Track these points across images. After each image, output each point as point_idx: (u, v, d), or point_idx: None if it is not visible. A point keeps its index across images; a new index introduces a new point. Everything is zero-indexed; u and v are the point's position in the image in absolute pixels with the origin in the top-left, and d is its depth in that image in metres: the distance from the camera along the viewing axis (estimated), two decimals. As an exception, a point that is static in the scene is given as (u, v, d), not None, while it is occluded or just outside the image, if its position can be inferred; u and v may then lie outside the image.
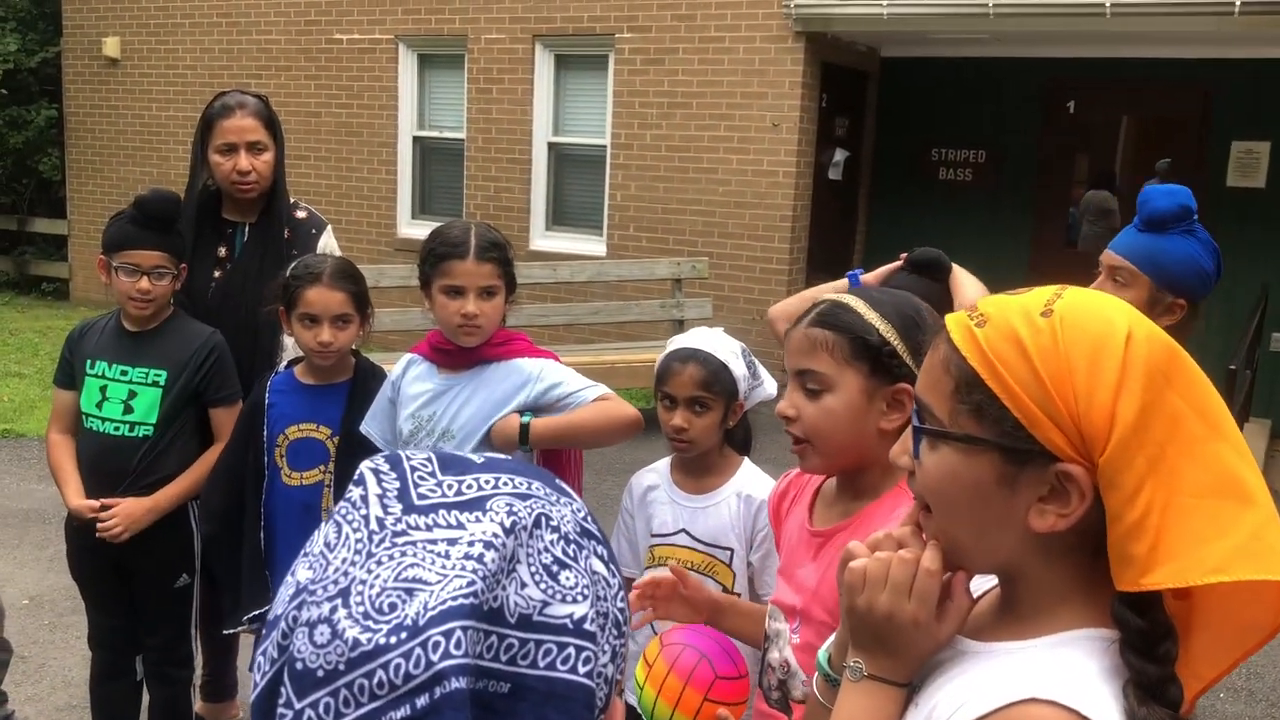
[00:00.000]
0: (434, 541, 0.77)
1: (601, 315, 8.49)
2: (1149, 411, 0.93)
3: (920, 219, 9.31)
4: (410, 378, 2.68)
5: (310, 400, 2.88)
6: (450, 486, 0.81)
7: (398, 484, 0.81)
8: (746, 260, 8.80)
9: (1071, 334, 0.96)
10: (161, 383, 2.98)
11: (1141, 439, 0.93)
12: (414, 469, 0.82)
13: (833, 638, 1.17)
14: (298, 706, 0.72)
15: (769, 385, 2.42)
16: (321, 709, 0.72)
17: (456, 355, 2.61)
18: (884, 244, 8.64)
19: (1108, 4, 7.43)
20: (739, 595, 2.34)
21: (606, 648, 0.82)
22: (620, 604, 0.85)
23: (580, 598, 0.80)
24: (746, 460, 2.44)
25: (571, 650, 0.78)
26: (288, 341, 3.17)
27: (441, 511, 0.79)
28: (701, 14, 8.72)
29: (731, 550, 2.35)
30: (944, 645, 1.06)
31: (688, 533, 2.39)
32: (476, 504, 0.79)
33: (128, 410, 2.98)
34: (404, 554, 0.76)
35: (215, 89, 10.89)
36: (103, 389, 3.00)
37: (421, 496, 0.80)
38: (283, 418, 2.87)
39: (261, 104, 3.28)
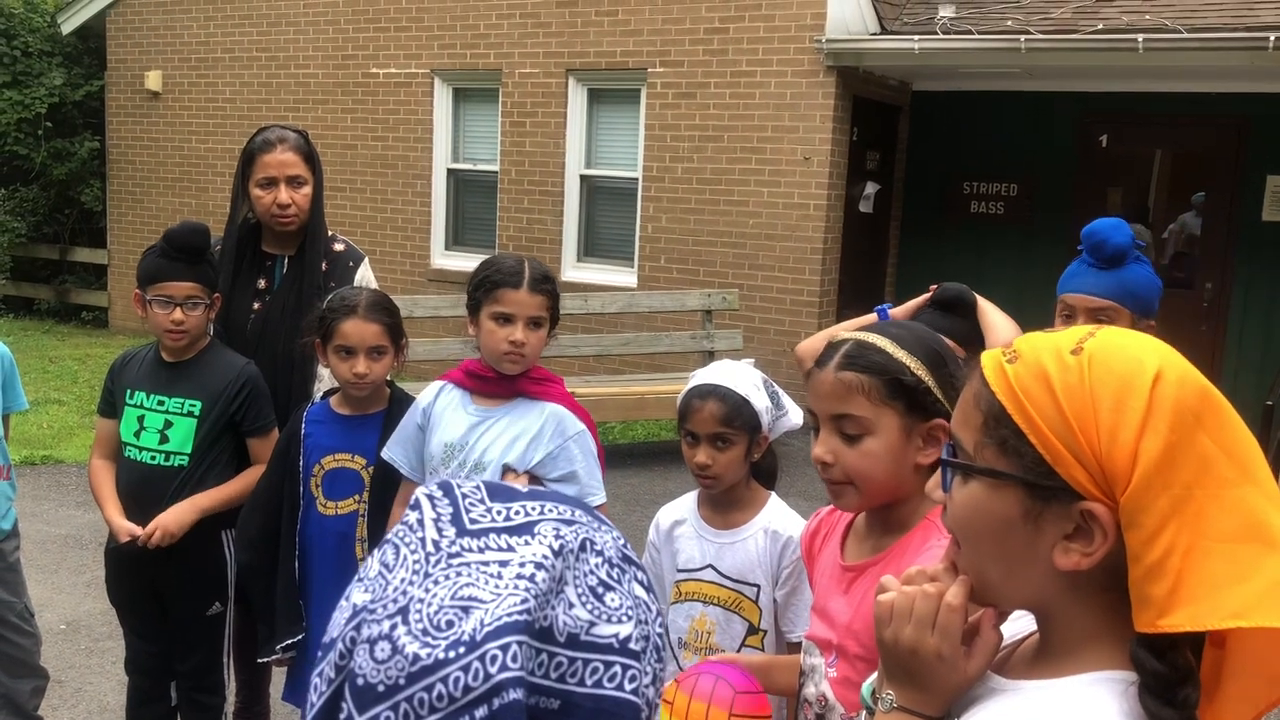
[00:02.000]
0: (486, 563, 0.80)
1: (632, 346, 8.53)
2: (1174, 452, 0.93)
3: (951, 252, 9.31)
4: (442, 406, 2.71)
5: (346, 431, 2.91)
6: (499, 513, 0.85)
7: (451, 509, 0.84)
8: (777, 292, 8.82)
9: (1099, 372, 0.96)
10: (196, 413, 3.03)
11: (1166, 479, 0.93)
12: (464, 496, 0.86)
13: (877, 672, 1.19)
14: None
15: (794, 415, 2.41)
16: None
17: (494, 384, 2.65)
18: (915, 276, 8.63)
19: (1140, 39, 7.44)
20: (765, 632, 2.34)
21: (649, 669, 0.85)
22: (659, 629, 0.88)
23: (625, 618, 0.83)
24: (774, 495, 2.44)
25: (618, 669, 0.81)
26: (323, 372, 3.22)
27: (492, 535, 0.82)
28: (734, 49, 8.80)
29: (758, 586, 2.34)
30: (973, 681, 1.06)
31: (714, 568, 2.39)
32: (525, 529, 0.83)
33: (164, 440, 3.03)
34: (459, 574, 0.79)
35: (254, 122, 11.09)
36: (140, 419, 3.05)
37: (473, 521, 0.84)
38: (318, 448, 2.91)
39: (301, 139, 3.34)
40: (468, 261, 10.18)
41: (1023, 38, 7.83)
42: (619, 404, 7.74)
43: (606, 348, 8.65)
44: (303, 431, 2.92)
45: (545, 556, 0.80)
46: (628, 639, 0.82)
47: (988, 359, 1.05)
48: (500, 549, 0.81)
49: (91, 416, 8.35)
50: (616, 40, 9.29)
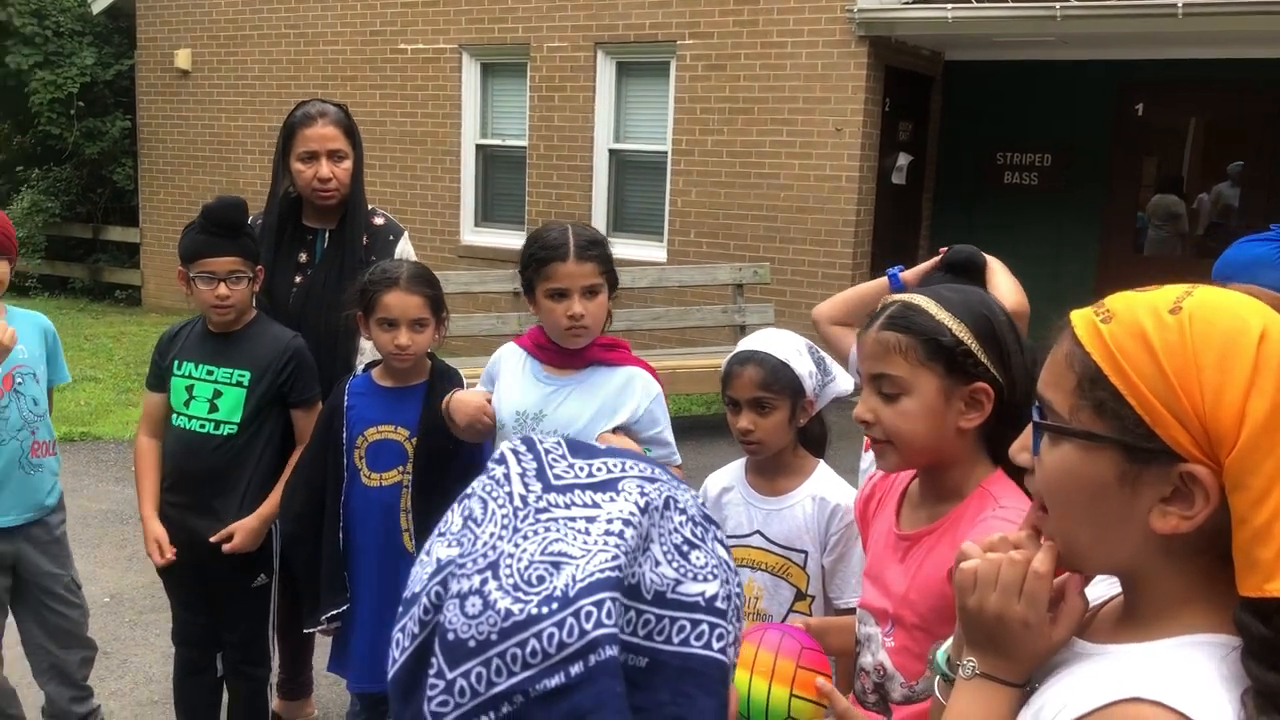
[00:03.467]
0: (573, 519, 0.79)
1: (663, 321, 8.51)
2: None
3: (985, 223, 9.22)
4: (513, 366, 2.69)
5: (388, 403, 2.92)
6: (582, 469, 0.84)
7: (535, 464, 0.84)
8: (809, 265, 8.77)
9: (1201, 330, 0.94)
10: (245, 383, 3.05)
11: (1273, 440, 0.90)
12: (547, 451, 0.85)
13: (950, 640, 1.17)
14: (450, 676, 0.75)
15: (842, 381, 2.40)
16: (474, 678, 0.74)
17: (563, 355, 2.63)
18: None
19: (1180, 3, 7.31)
20: (812, 597, 2.34)
21: (732, 628, 0.84)
22: (738, 589, 0.87)
23: (711, 576, 0.82)
24: (822, 463, 2.43)
25: (705, 627, 0.81)
26: (364, 345, 3.23)
27: (577, 491, 0.82)
28: (764, 19, 8.72)
29: (806, 553, 2.34)
30: (1058, 647, 1.05)
31: (762, 534, 2.39)
32: (609, 485, 0.82)
33: (213, 409, 3.05)
34: (548, 529, 0.79)
35: (282, 99, 11.12)
36: (189, 388, 3.08)
37: (557, 477, 0.83)
38: (361, 420, 2.92)
39: (342, 113, 3.34)
40: (497, 237, 10.19)
41: (1058, 5, 7.71)
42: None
43: (637, 323, 8.63)
44: (345, 404, 2.94)
45: (632, 513, 0.79)
46: (714, 597, 0.82)
47: (1079, 318, 1.02)
48: (586, 505, 0.80)
49: (128, 394, 8.47)
50: (645, 12, 9.22)
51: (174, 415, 3.10)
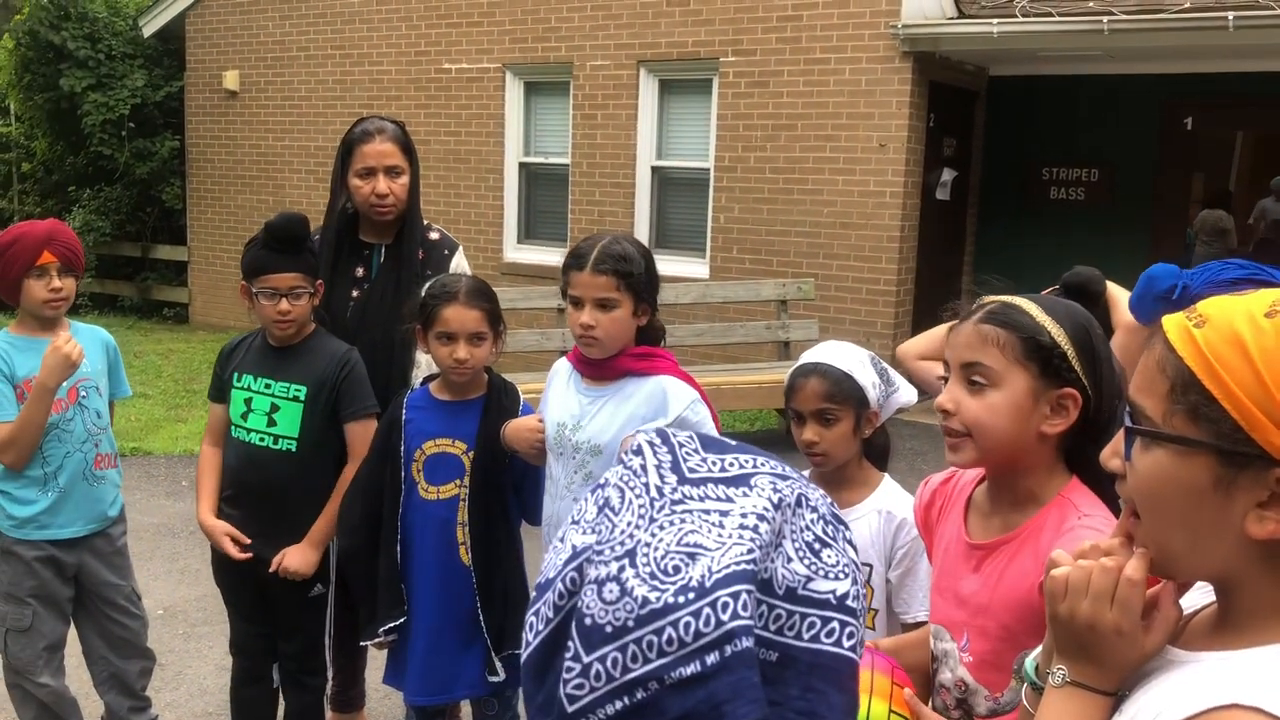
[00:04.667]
0: (708, 511, 0.81)
1: (706, 337, 8.51)
2: None
3: (1030, 240, 9.15)
4: (560, 381, 2.76)
5: (446, 416, 2.94)
6: (715, 463, 0.85)
7: (670, 457, 0.85)
8: (853, 281, 8.74)
9: None
10: (302, 397, 3.08)
11: None
12: (680, 445, 0.87)
13: (1038, 649, 1.16)
14: (586, 660, 0.76)
15: (906, 392, 2.39)
16: (609, 663, 0.75)
17: (595, 366, 2.66)
18: (993, 265, 8.50)
19: (1230, 17, 7.24)
20: (876, 611, 2.32)
21: (861, 627, 0.85)
22: (863, 590, 0.87)
23: (842, 575, 0.83)
24: (887, 477, 2.42)
25: (836, 625, 0.82)
26: (421, 359, 3.25)
27: (710, 485, 0.83)
28: (806, 36, 8.73)
29: (871, 567, 2.33)
30: (1151, 656, 1.04)
31: (826, 548, 2.37)
32: (742, 480, 0.83)
33: (271, 423, 3.09)
34: (683, 521, 0.80)
35: (329, 120, 11.24)
36: (247, 401, 3.12)
37: (691, 470, 0.84)
38: (419, 433, 2.93)
39: (399, 130, 3.38)
40: (539, 255, 10.25)
41: (1105, 19, 7.66)
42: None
43: (680, 339, 8.61)
44: (404, 417, 2.96)
45: (766, 509, 0.80)
46: (845, 595, 0.82)
47: (1171, 324, 1.01)
48: (719, 499, 0.81)
49: (177, 409, 8.59)
50: (688, 30, 9.26)
51: (233, 428, 3.14)
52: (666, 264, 9.61)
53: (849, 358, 2.34)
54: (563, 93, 10.10)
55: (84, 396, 3.23)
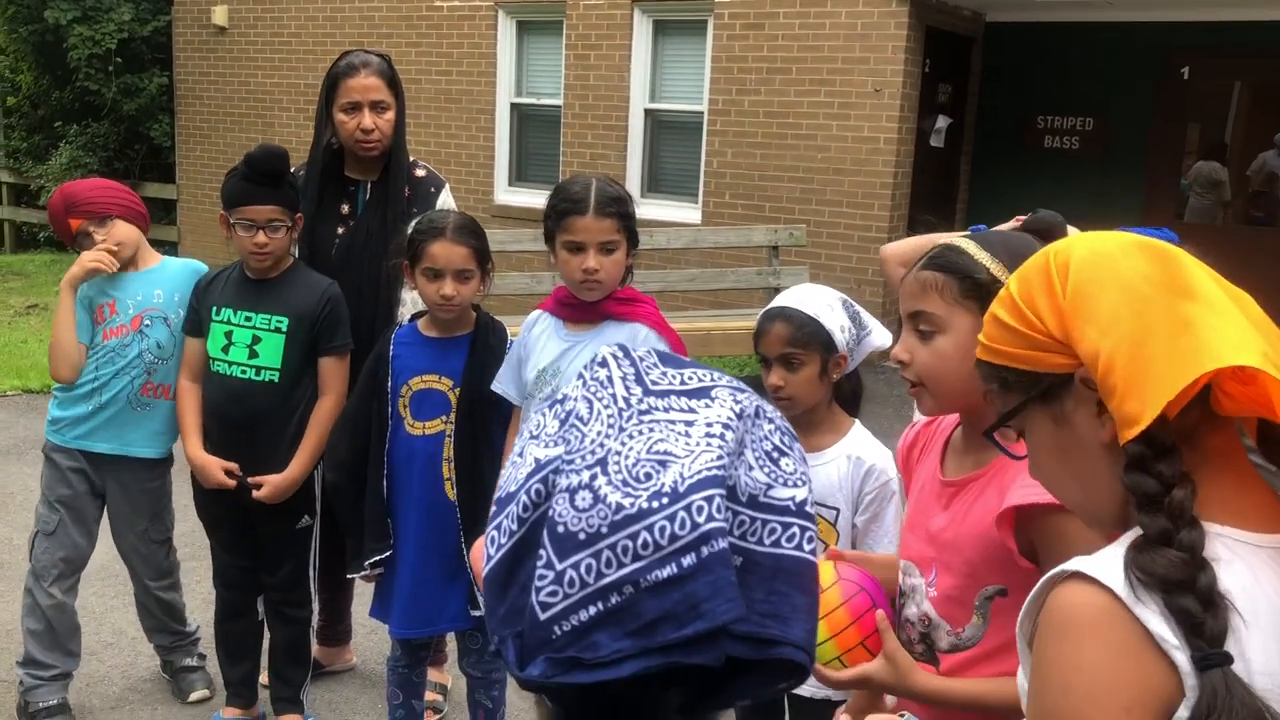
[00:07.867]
0: (673, 421, 0.83)
1: (697, 283, 8.48)
2: (1084, 292, 1.01)
3: (1024, 187, 9.10)
4: (537, 333, 2.75)
5: (433, 353, 2.95)
6: (675, 376, 0.87)
7: (633, 370, 0.87)
8: (845, 228, 8.72)
9: (1018, 277, 1.09)
10: (284, 329, 3.10)
11: (1086, 312, 1.00)
12: (641, 359, 0.89)
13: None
14: (559, 567, 0.78)
15: (879, 335, 2.38)
16: (583, 569, 0.77)
17: (581, 310, 2.67)
18: (986, 213, 8.46)
19: (1230, -36, 7.17)
20: None
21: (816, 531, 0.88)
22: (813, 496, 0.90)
23: (800, 482, 0.86)
24: (857, 423, 2.42)
25: (796, 529, 0.85)
26: (406, 296, 3.25)
27: (673, 397, 0.85)
28: (803, -22, 8.62)
29: (837, 510, 2.33)
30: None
31: (796, 489, 2.39)
32: (702, 392, 0.86)
33: (253, 355, 3.10)
34: (651, 430, 0.82)
35: (319, 56, 11.07)
36: (228, 334, 3.12)
37: (654, 382, 0.86)
38: (406, 369, 2.94)
39: (384, 63, 3.34)
40: (530, 197, 10.18)
41: (1105, -36, 7.58)
42: (684, 341, 7.71)
43: (671, 284, 8.60)
44: (391, 353, 2.96)
45: (729, 418, 0.83)
46: (803, 502, 0.85)
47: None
48: (683, 410, 0.83)
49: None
50: (683, -30, 9.14)
51: (213, 362, 3.14)
52: (658, 208, 9.59)
53: (817, 301, 2.33)
54: (555, 32, 9.98)
55: (148, 325, 3.28)
